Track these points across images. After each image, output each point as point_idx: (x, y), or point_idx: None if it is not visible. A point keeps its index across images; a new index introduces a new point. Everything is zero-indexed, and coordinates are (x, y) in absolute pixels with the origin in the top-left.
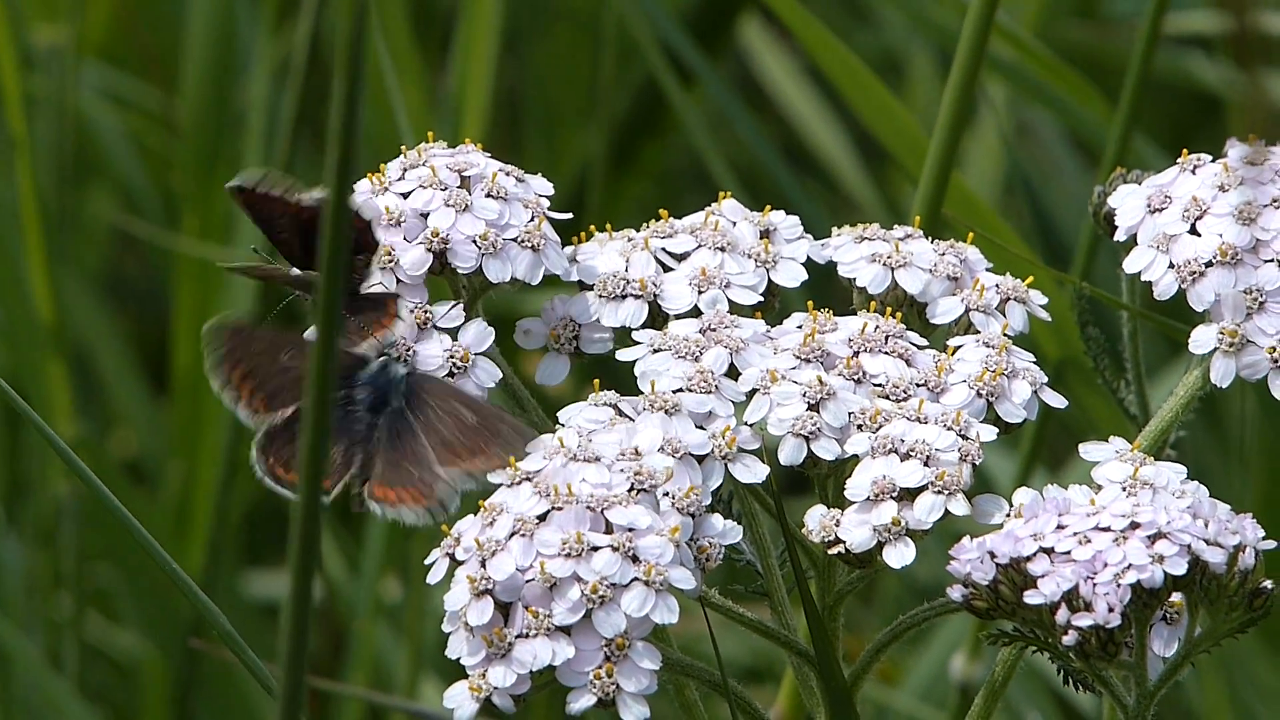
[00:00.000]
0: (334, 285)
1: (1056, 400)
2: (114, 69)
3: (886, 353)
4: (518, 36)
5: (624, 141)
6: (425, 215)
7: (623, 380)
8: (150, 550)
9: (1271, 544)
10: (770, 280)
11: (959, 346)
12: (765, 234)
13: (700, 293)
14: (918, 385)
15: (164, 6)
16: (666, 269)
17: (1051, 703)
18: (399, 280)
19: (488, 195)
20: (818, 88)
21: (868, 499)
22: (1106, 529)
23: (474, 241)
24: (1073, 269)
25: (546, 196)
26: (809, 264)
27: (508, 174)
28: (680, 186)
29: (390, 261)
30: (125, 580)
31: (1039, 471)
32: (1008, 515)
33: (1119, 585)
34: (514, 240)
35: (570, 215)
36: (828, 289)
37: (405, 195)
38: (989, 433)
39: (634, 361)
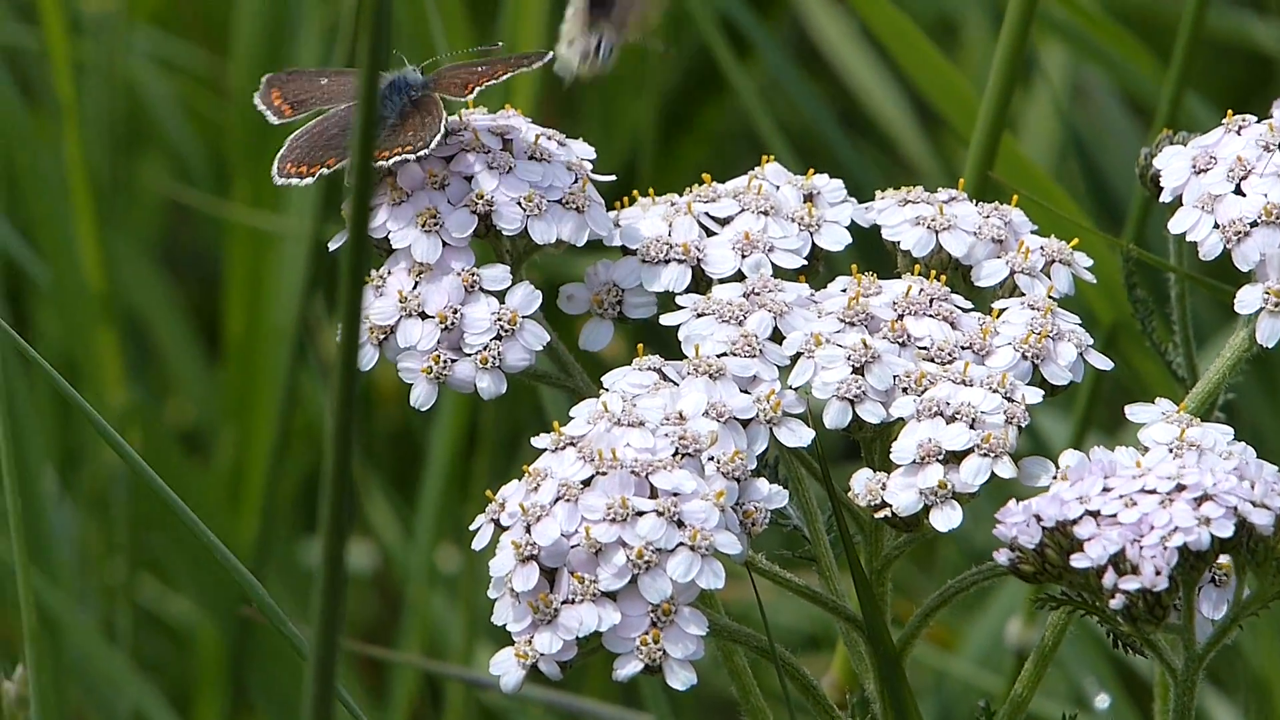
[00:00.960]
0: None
1: (1103, 362)
2: (164, 34)
3: (931, 316)
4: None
5: (678, 107)
6: (469, 179)
7: (667, 345)
8: (189, 524)
9: None
10: (814, 244)
11: (1004, 309)
12: (809, 198)
13: (744, 257)
14: (963, 348)
15: None
16: (710, 233)
17: (1109, 667)
18: (445, 243)
19: (530, 158)
20: (874, 52)
21: (913, 462)
22: (1153, 491)
23: (518, 203)
24: (1125, 232)
25: (589, 160)
26: (853, 228)
27: (549, 138)
28: (735, 151)
29: (435, 224)
30: (177, 548)
31: (1093, 434)
32: (1054, 478)
33: (1165, 548)
34: (558, 202)
35: (614, 177)
36: (872, 253)
37: (448, 160)
38: (1035, 395)
39: (678, 326)
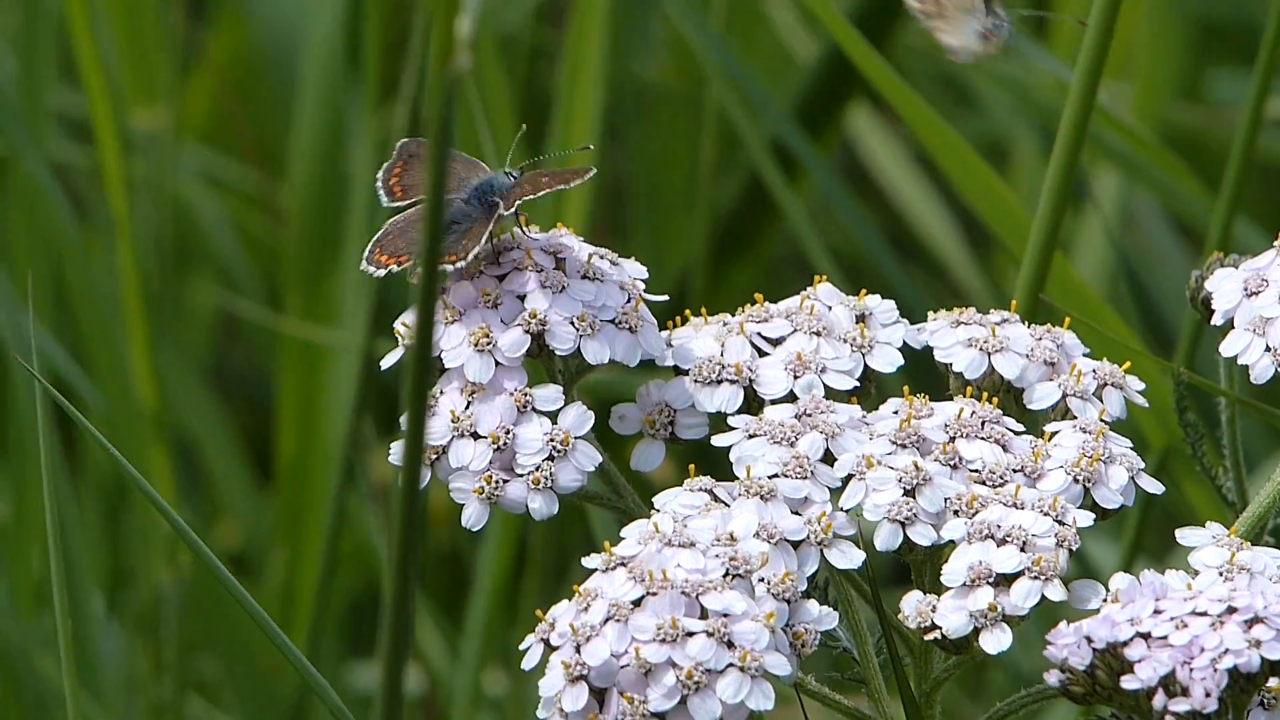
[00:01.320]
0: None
1: (1154, 486)
2: (215, 152)
3: (983, 438)
4: (620, 123)
5: (730, 229)
6: (522, 297)
7: (718, 465)
8: (261, 625)
9: None
10: (866, 365)
11: (1055, 432)
12: (861, 318)
13: (796, 377)
14: (1014, 471)
15: (265, 90)
16: (762, 354)
17: None
18: (497, 363)
19: (583, 277)
20: (926, 175)
21: (964, 584)
22: (1203, 613)
23: (571, 323)
24: (1176, 355)
25: (641, 279)
26: (905, 349)
27: (602, 257)
28: (785, 274)
29: (488, 344)
30: (226, 670)
31: (1142, 559)
32: (1105, 600)
33: (1216, 670)
34: (611, 322)
35: (666, 298)
36: (924, 374)
37: (501, 278)
38: (1086, 518)
39: (729, 447)
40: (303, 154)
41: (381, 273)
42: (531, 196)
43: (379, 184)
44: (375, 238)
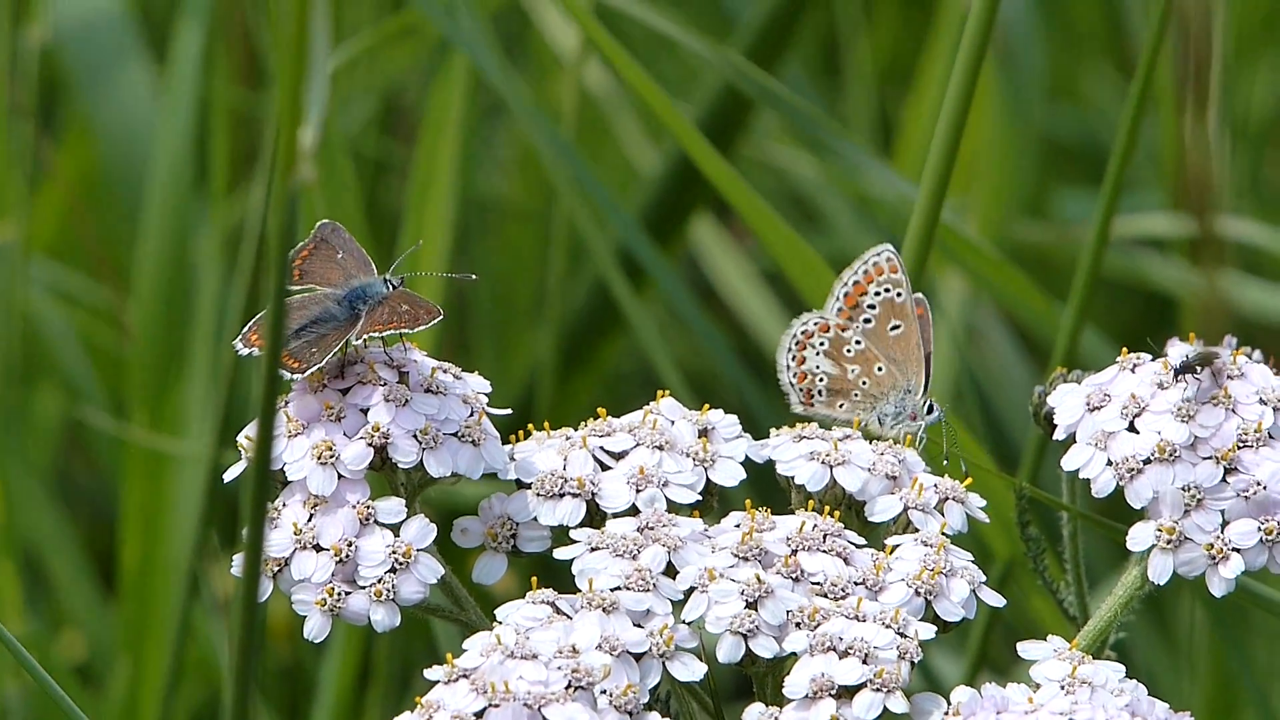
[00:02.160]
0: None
1: (995, 600)
2: (62, 266)
3: (824, 551)
4: (468, 236)
5: (576, 342)
6: (365, 411)
7: (561, 579)
8: None
9: None
10: (708, 479)
11: (897, 545)
12: (704, 432)
13: (638, 491)
14: (856, 583)
15: (113, 205)
16: (605, 467)
17: None
18: (340, 475)
19: (426, 391)
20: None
21: (806, 696)
22: None
23: (414, 436)
24: (1020, 469)
25: (485, 394)
26: (748, 463)
27: (445, 371)
28: (632, 388)
29: (331, 457)
30: None
31: (986, 673)
32: (946, 714)
33: None
34: (454, 435)
35: (510, 412)
36: (767, 489)
37: (345, 391)
38: (927, 631)
39: (572, 560)
40: (149, 267)
41: (246, 352)
42: (379, 334)
43: (295, 263)
44: (256, 317)
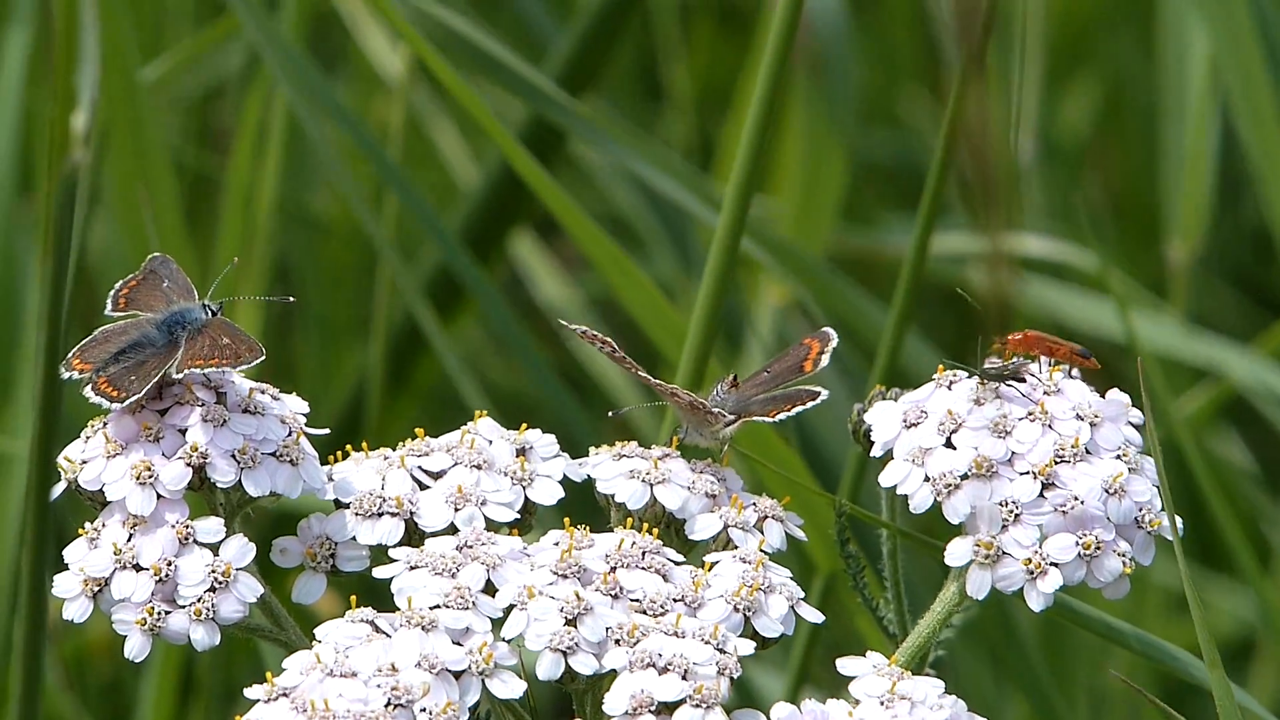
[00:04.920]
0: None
1: (815, 616)
2: None
3: (643, 568)
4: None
5: (399, 361)
6: (184, 431)
7: (381, 599)
8: None
9: None
10: (527, 497)
11: (716, 562)
12: (521, 452)
13: (456, 510)
14: (675, 600)
15: None
16: (423, 487)
17: None
18: (159, 495)
19: (244, 411)
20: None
21: (626, 713)
22: None
23: (233, 456)
24: (840, 487)
25: (303, 414)
26: (567, 482)
27: (263, 391)
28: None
29: (150, 477)
30: None
31: (809, 688)
32: None
33: None
34: (272, 455)
35: (328, 431)
36: (586, 508)
37: (163, 412)
38: (746, 647)
39: (391, 579)
40: None
41: (67, 375)
42: (200, 371)
43: (111, 293)
44: (82, 342)
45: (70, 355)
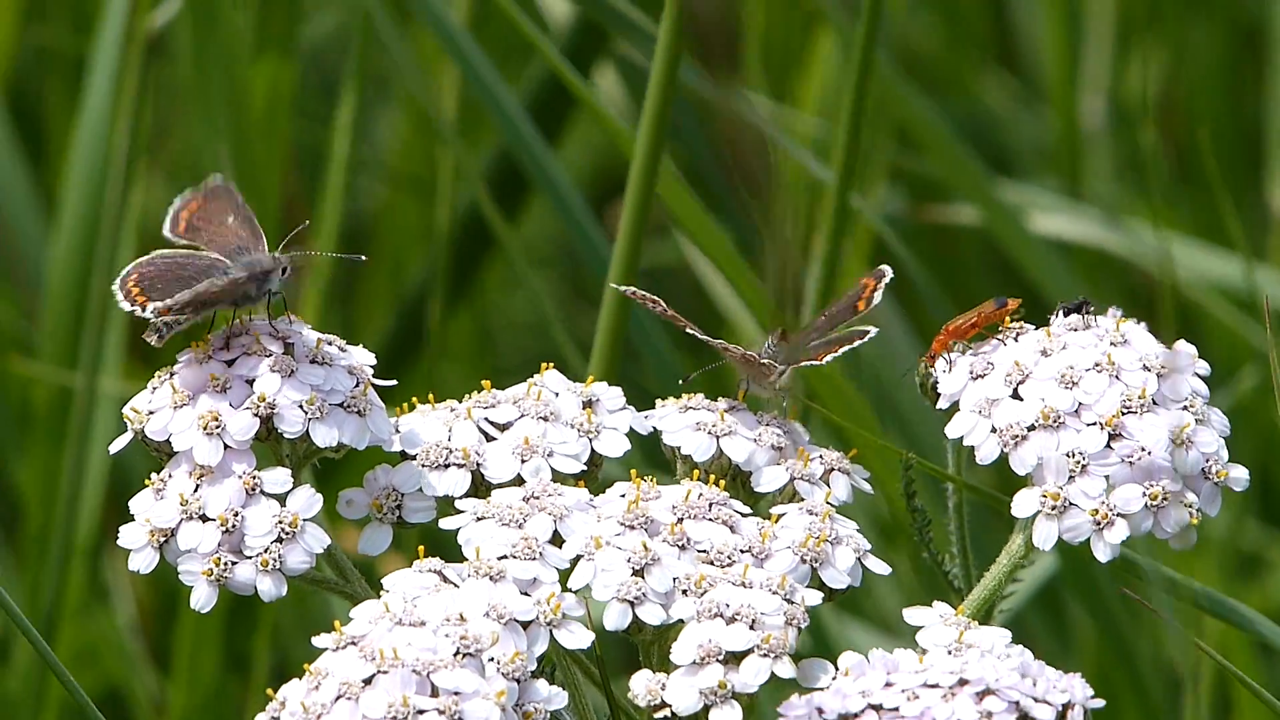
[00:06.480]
0: None
1: (881, 568)
2: None
3: (710, 519)
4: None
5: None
6: (251, 381)
7: (448, 551)
8: None
9: (1100, 703)
10: (593, 450)
11: (782, 514)
12: (588, 404)
13: (523, 461)
14: (742, 551)
15: None
16: (490, 438)
17: None
18: (226, 446)
19: (312, 361)
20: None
21: (693, 663)
22: (935, 685)
23: (300, 406)
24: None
25: (370, 365)
26: (633, 435)
27: (330, 342)
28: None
29: (217, 427)
30: None
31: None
32: (834, 679)
33: None
34: (340, 405)
35: (395, 382)
36: (653, 459)
37: (230, 363)
38: (814, 597)
39: (457, 530)
40: None
41: (127, 307)
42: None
43: (171, 210)
44: (137, 266)
45: (123, 280)
